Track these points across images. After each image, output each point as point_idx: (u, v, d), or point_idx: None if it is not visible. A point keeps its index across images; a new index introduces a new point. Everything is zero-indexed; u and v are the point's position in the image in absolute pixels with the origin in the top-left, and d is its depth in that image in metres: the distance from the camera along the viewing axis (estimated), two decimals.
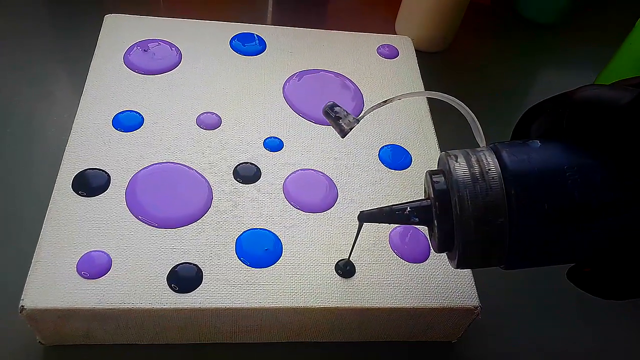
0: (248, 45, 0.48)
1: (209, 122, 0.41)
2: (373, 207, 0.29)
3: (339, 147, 0.41)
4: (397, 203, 0.29)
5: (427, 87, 0.47)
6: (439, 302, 0.34)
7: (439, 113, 0.45)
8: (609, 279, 0.27)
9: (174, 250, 0.34)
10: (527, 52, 0.62)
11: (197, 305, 0.32)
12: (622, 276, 0.27)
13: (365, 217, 0.30)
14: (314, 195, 0.38)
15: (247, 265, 0.34)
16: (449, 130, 0.46)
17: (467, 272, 0.36)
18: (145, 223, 0.35)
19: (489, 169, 0.25)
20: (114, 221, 0.35)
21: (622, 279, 0.27)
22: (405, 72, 0.48)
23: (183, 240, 0.35)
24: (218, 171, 0.39)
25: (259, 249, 0.35)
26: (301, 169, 0.40)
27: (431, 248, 0.29)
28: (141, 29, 0.47)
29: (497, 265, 0.26)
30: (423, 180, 0.40)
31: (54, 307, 0.31)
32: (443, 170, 0.26)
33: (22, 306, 0.31)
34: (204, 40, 0.47)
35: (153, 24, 0.48)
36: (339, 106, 0.32)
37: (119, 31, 0.46)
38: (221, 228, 0.36)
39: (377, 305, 0.34)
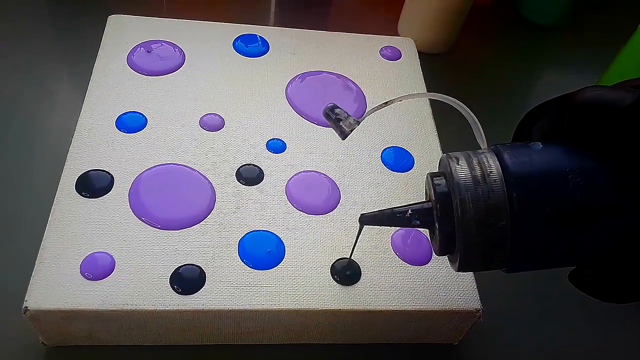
0: (251, 47, 0.48)
1: (212, 124, 0.41)
2: (375, 210, 0.29)
3: (341, 148, 0.42)
4: (398, 205, 0.29)
5: (430, 88, 0.47)
6: (441, 305, 0.35)
7: (441, 115, 0.45)
8: (611, 282, 0.27)
9: (177, 251, 0.34)
10: (529, 53, 0.62)
11: (199, 307, 0.32)
12: (624, 279, 0.26)
13: (366, 219, 0.30)
14: (316, 197, 0.39)
15: (250, 267, 0.35)
16: (451, 132, 0.46)
17: (468, 275, 0.36)
18: (149, 224, 0.35)
19: (491, 172, 0.25)
20: (117, 222, 0.35)
21: (624, 282, 0.26)
22: (408, 74, 0.48)
23: (186, 242, 0.35)
24: (221, 173, 0.39)
25: (262, 251, 0.35)
26: (304, 171, 0.40)
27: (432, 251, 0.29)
28: (144, 30, 0.47)
29: (499, 268, 0.26)
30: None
31: (57, 308, 0.31)
32: (444, 172, 0.26)
33: (26, 307, 0.31)
34: (207, 41, 0.47)
35: (156, 25, 0.48)
36: (339, 108, 0.32)
37: (123, 32, 0.46)
38: (224, 230, 0.36)
39: (379, 308, 0.34)
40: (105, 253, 0.34)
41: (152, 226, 0.35)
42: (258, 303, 0.33)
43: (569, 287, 0.43)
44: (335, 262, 0.36)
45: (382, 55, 0.49)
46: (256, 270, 0.34)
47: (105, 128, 0.40)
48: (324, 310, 0.34)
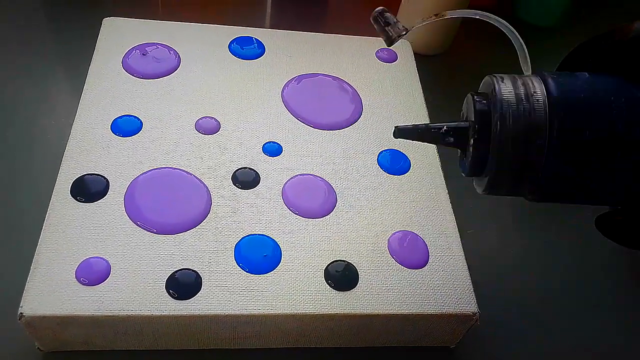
0: (247, 49, 0.48)
1: (208, 127, 0.41)
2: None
3: (337, 151, 0.41)
4: (435, 123, 0.28)
5: (427, 90, 0.47)
6: (438, 309, 0.34)
7: (437, 118, 0.45)
8: (636, 228, 0.27)
9: (173, 256, 0.34)
10: (529, 55, 0.62)
11: (195, 312, 0.32)
12: None
13: (400, 132, 0.29)
14: (312, 200, 0.38)
15: (246, 271, 0.34)
16: None
17: (465, 278, 0.36)
18: (144, 229, 0.35)
19: (535, 92, 0.24)
20: (113, 227, 0.35)
21: None
22: (404, 76, 0.48)
23: (182, 246, 0.35)
24: (217, 176, 0.38)
25: (258, 255, 0.35)
26: (300, 174, 0.40)
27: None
28: (140, 33, 0.47)
29: (527, 193, 0.26)
30: (423, 182, 0.40)
31: (52, 314, 0.31)
32: (486, 92, 0.26)
33: (21, 313, 0.31)
34: (202, 43, 0.47)
35: (152, 28, 0.47)
36: (388, 12, 0.31)
37: (118, 35, 0.46)
38: (220, 234, 0.36)
39: (376, 312, 0.34)
40: (101, 258, 0.34)
41: (147, 230, 0.35)
42: (254, 308, 0.33)
43: (564, 292, 0.43)
44: (329, 265, 0.35)
45: (378, 58, 0.49)
46: (252, 275, 0.34)
47: (100, 132, 0.40)
48: (320, 314, 0.33)
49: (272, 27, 0.52)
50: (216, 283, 0.34)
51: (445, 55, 0.59)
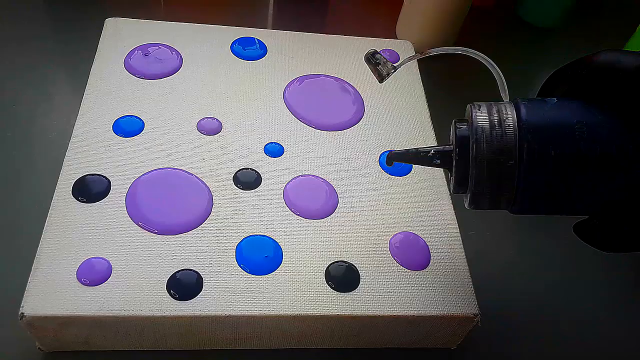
0: (249, 50, 0.48)
1: (210, 128, 0.41)
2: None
3: (339, 152, 0.41)
4: (423, 146, 0.32)
5: (429, 91, 0.47)
6: (439, 310, 0.34)
7: (439, 118, 0.45)
8: (612, 233, 0.29)
9: (174, 256, 0.34)
10: (528, 55, 0.62)
11: (197, 313, 0.32)
12: (624, 230, 0.28)
13: (395, 156, 0.32)
14: (314, 201, 0.38)
15: (247, 272, 0.34)
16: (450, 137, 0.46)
17: (466, 279, 0.36)
18: (146, 229, 0.35)
19: (506, 118, 0.27)
20: (114, 227, 0.35)
21: (625, 233, 0.28)
22: (406, 77, 0.48)
23: (183, 247, 0.35)
24: (218, 177, 0.38)
25: (259, 256, 0.35)
26: (301, 175, 0.40)
27: (453, 191, 0.30)
28: (142, 33, 0.47)
29: (506, 207, 0.29)
30: (425, 183, 0.40)
31: (53, 314, 0.31)
32: (467, 119, 0.29)
33: (22, 313, 0.31)
34: (204, 44, 0.47)
35: (154, 28, 0.47)
36: (379, 53, 0.35)
37: (120, 35, 0.46)
38: (221, 234, 0.36)
39: (377, 313, 0.34)
40: (102, 258, 0.34)
41: (149, 231, 0.35)
42: (255, 309, 0.33)
43: (564, 292, 0.43)
44: (329, 265, 0.35)
45: None
46: (254, 276, 0.34)
47: (102, 132, 0.40)
48: (321, 316, 0.33)
49: (274, 27, 0.53)
50: (217, 284, 0.34)
51: (447, 56, 0.58)
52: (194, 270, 0.34)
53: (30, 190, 0.41)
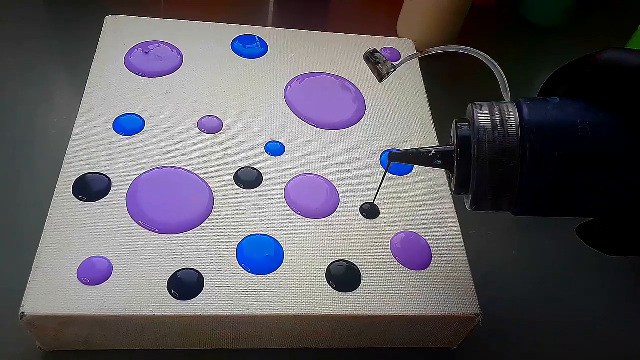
0: (249, 48, 0.47)
1: (211, 126, 0.41)
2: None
3: (340, 151, 0.41)
4: (424, 147, 0.31)
5: (430, 89, 0.47)
6: (440, 310, 0.34)
7: (441, 117, 0.45)
8: (615, 236, 0.28)
9: (175, 256, 0.34)
10: (530, 54, 0.62)
11: (197, 313, 0.32)
12: (627, 233, 0.28)
13: (395, 156, 0.32)
14: (315, 200, 0.38)
15: (248, 271, 0.34)
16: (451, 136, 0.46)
17: (468, 279, 0.36)
18: (146, 228, 0.35)
19: (509, 118, 0.27)
20: (115, 226, 0.35)
21: (628, 236, 0.28)
22: (407, 75, 0.48)
23: (184, 246, 0.35)
24: (219, 176, 0.38)
25: (260, 255, 0.35)
26: (302, 174, 0.40)
27: (451, 189, 0.31)
28: (142, 31, 0.47)
29: (508, 209, 0.28)
30: (426, 182, 0.40)
31: (54, 313, 0.31)
32: (469, 119, 0.29)
33: (23, 313, 0.31)
34: (205, 42, 0.47)
35: (154, 26, 0.47)
36: (378, 52, 0.35)
37: (120, 33, 0.46)
38: (222, 234, 0.36)
39: (378, 313, 0.34)
40: (103, 257, 0.33)
41: (150, 230, 0.35)
42: (256, 308, 0.33)
43: (566, 292, 0.43)
44: (330, 265, 0.35)
45: None
46: (255, 275, 0.34)
47: (102, 130, 0.40)
48: (322, 315, 0.33)
49: (274, 25, 0.52)
50: (218, 283, 0.33)
51: (448, 55, 0.58)
52: (194, 270, 0.34)
53: (31, 189, 0.41)
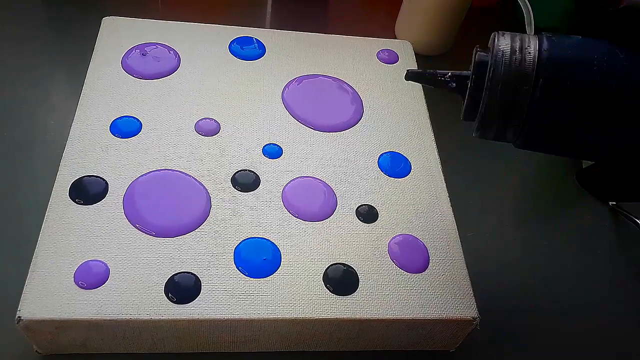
0: (247, 49, 0.47)
1: (208, 128, 0.41)
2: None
3: (338, 154, 0.41)
4: (442, 70, 0.31)
5: (428, 91, 0.47)
6: (438, 314, 0.34)
7: (439, 119, 0.45)
8: (613, 182, 0.30)
9: (172, 259, 0.34)
10: None
11: (194, 317, 0.32)
12: (625, 179, 0.29)
13: (411, 75, 0.32)
14: (313, 203, 0.38)
15: (246, 275, 0.34)
16: (449, 138, 0.46)
17: (465, 282, 0.36)
18: (143, 232, 0.35)
19: (528, 46, 0.27)
20: (112, 230, 0.35)
21: (623, 182, 0.29)
22: None
23: (181, 250, 0.35)
24: (217, 179, 0.38)
25: (258, 259, 0.35)
26: (300, 177, 0.40)
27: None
28: (139, 32, 0.46)
29: (512, 139, 0.28)
30: (424, 185, 0.40)
31: (51, 318, 0.31)
32: (490, 46, 0.28)
33: (19, 317, 0.31)
34: (202, 43, 0.47)
35: (151, 27, 0.47)
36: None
37: (117, 34, 0.46)
38: (219, 237, 0.36)
39: (376, 317, 0.34)
40: (100, 261, 0.33)
41: (146, 233, 0.35)
42: (254, 312, 0.33)
43: (564, 295, 0.43)
44: (328, 268, 0.35)
45: (379, 59, 0.49)
46: (252, 279, 0.34)
47: (99, 133, 0.39)
48: (320, 319, 0.33)
49: (272, 27, 0.52)
50: (215, 287, 0.33)
51: (447, 56, 0.58)
52: (192, 273, 0.34)
53: (28, 191, 0.41)
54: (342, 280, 0.35)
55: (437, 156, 0.42)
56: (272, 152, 0.41)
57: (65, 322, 0.31)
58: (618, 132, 0.27)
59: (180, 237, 0.35)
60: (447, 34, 0.56)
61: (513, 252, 0.45)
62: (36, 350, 0.34)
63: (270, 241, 0.36)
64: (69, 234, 0.34)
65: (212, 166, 0.39)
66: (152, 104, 0.42)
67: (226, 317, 0.32)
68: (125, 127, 0.40)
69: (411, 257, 0.37)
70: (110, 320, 0.32)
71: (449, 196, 0.40)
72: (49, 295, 0.32)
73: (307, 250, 0.36)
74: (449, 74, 0.30)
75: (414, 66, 0.49)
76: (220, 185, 0.38)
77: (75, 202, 0.36)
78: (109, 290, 0.32)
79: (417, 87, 0.47)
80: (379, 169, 0.41)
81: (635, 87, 0.26)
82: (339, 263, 0.36)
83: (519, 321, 0.41)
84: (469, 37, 0.60)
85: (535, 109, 0.27)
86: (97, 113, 0.41)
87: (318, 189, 0.39)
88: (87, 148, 0.38)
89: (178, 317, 0.32)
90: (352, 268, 0.36)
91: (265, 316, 0.33)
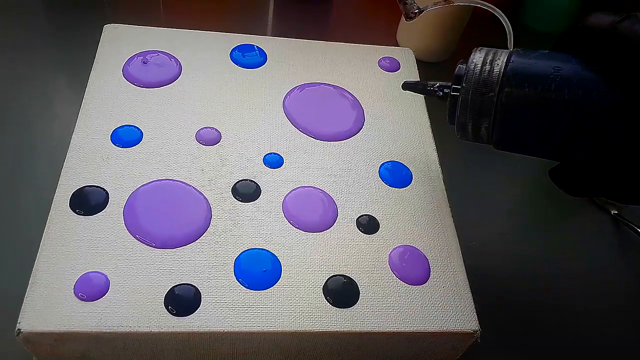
0: (248, 57, 0.47)
1: (209, 138, 0.41)
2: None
3: (339, 163, 0.41)
4: (431, 81, 0.37)
5: (430, 101, 0.47)
6: (438, 327, 0.34)
7: (440, 128, 0.45)
8: (579, 178, 0.33)
9: (172, 271, 0.34)
10: None
11: (194, 329, 0.32)
12: (588, 176, 0.32)
13: (406, 85, 0.40)
14: (313, 214, 0.38)
15: (246, 287, 0.34)
16: (451, 148, 0.45)
17: (466, 295, 0.36)
18: (144, 243, 0.35)
19: (498, 59, 0.32)
20: (112, 241, 0.35)
21: (588, 178, 0.32)
22: None
23: (181, 261, 0.35)
24: (217, 189, 0.38)
25: (258, 270, 0.35)
26: (301, 187, 0.39)
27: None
28: (141, 40, 0.46)
29: (488, 140, 0.33)
30: (425, 195, 0.40)
31: (50, 330, 0.31)
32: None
33: (19, 329, 0.31)
34: (204, 51, 0.47)
35: (153, 35, 0.47)
36: None
37: (119, 42, 0.46)
38: (220, 248, 0.36)
39: (376, 330, 0.34)
40: (100, 273, 0.33)
41: (147, 244, 0.35)
42: (254, 325, 0.33)
43: (562, 308, 0.43)
44: (328, 279, 0.35)
45: (381, 67, 0.49)
46: (252, 291, 0.34)
47: (100, 142, 0.39)
48: (320, 332, 0.33)
49: (274, 34, 0.52)
50: (215, 299, 0.33)
51: (448, 63, 0.58)
52: (192, 285, 0.34)
53: (28, 201, 0.41)
54: (342, 292, 0.35)
55: (438, 166, 0.42)
56: (273, 161, 0.41)
57: (65, 334, 0.31)
58: (576, 135, 0.30)
59: (180, 248, 0.35)
60: (449, 40, 0.56)
61: (514, 261, 0.45)
62: None
63: (271, 252, 0.36)
64: (69, 245, 0.34)
65: (213, 176, 0.39)
66: (153, 112, 0.42)
67: (226, 329, 0.32)
68: (126, 136, 0.40)
69: (412, 268, 0.37)
70: (109, 332, 0.32)
71: (450, 206, 0.40)
72: (49, 307, 0.32)
73: (307, 262, 0.36)
74: (437, 84, 0.36)
75: (415, 74, 0.49)
76: (220, 196, 0.38)
77: (75, 212, 0.36)
78: (108, 302, 0.32)
79: (419, 95, 0.47)
80: (380, 178, 0.41)
81: (585, 93, 0.29)
82: (339, 275, 0.36)
83: (520, 333, 0.41)
84: (471, 43, 0.59)
85: (502, 112, 0.31)
86: (98, 122, 0.40)
87: (319, 199, 0.39)
88: (87, 157, 0.38)
89: (178, 329, 0.32)
90: (353, 280, 0.35)
91: (265, 329, 0.33)
